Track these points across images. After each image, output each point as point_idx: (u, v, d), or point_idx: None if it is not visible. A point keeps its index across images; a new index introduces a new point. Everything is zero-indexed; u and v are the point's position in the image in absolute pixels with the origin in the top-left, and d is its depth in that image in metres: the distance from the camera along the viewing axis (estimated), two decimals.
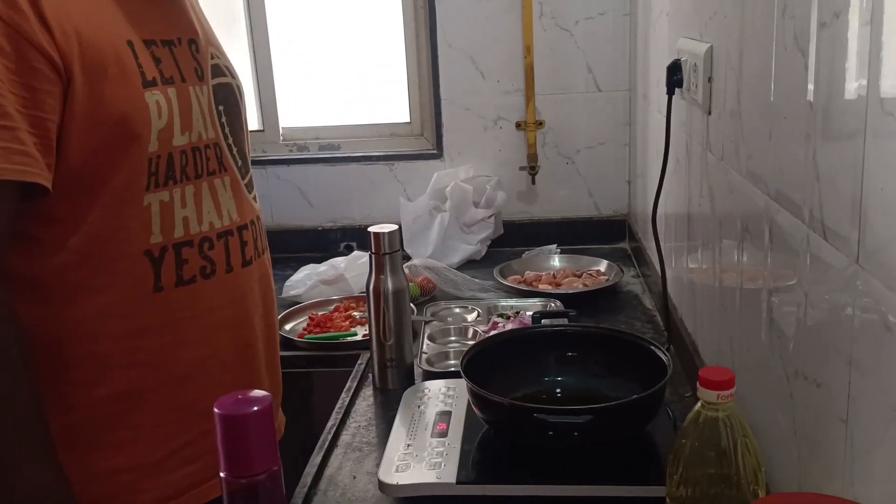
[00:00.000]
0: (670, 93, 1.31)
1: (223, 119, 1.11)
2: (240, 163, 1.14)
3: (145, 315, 1.01)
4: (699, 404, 0.74)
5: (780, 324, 0.88)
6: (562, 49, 2.11)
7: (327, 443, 1.23)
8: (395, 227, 1.38)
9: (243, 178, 1.15)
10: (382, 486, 1.02)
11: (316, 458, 1.18)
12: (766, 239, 0.91)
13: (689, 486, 0.75)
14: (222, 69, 1.15)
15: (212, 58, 1.12)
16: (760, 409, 0.93)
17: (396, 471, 1.03)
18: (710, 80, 1.15)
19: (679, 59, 1.28)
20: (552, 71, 2.13)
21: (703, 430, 0.73)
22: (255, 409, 0.67)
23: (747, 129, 0.99)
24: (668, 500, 0.77)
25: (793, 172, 0.82)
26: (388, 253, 1.36)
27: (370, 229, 1.38)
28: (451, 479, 1.00)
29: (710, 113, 1.17)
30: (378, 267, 1.37)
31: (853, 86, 0.66)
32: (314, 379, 1.62)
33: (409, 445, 1.08)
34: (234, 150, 1.14)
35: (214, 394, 1.08)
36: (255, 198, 1.19)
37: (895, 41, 0.59)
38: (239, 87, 1.19)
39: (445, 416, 1.16)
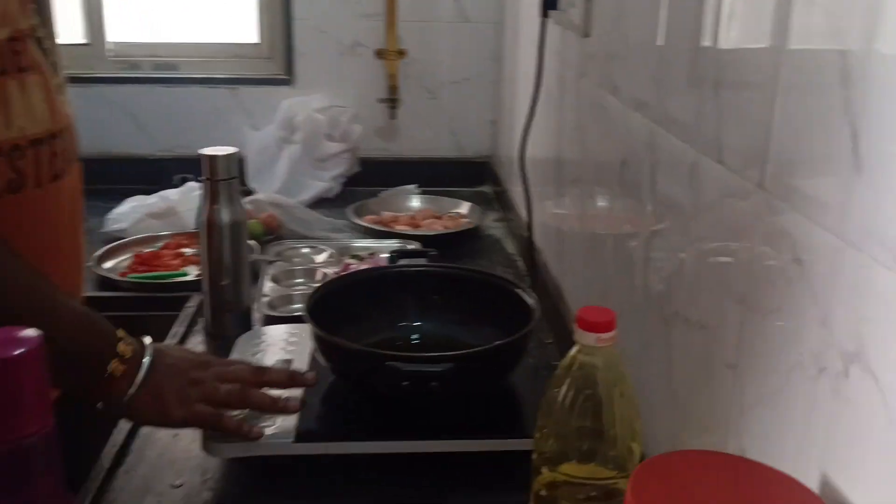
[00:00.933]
0: (544, 14, 1.20)
1: (32, 7, 0.90)
2: (52, 59, 0.94)
3: None
4: (575, 348, 0.64)
5: (658, 262, 0.79)
6: None
7: None
8: (234, 149, 1.20)
9: (55, 79, 0.95)
10: (207, 445, 0.87)
11: None
12: (647, 170, 0.82)
13: (558, 439, 0.66)
14: None
15: None
16: (634, 356, 0.85)
17: None
18: None
19: None
20: None
21: (577, 378, 0.63)
22: (20, 351, 0.50)
23: (632, 49, 0.90)
24: (534, 455, 0.68)
25: (685, 93, 0.73)
26: (224, 179, 1.19)
27: (202, 151, 1.19)
28: (289, 437, 0.86)
29: (588, 35, 1.07)
30: (212, 195, 1.19)
31: None
32: (138, 324, 1.42)
33: None
34: (46, 44, 0.93)
35: None
36: (67, 103, 0.99)
37: None
38: None
39: (285, 364, 1.01)
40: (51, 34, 0.94)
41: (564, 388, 0.64)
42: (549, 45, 1.26)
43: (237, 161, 1.20)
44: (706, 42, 0.67)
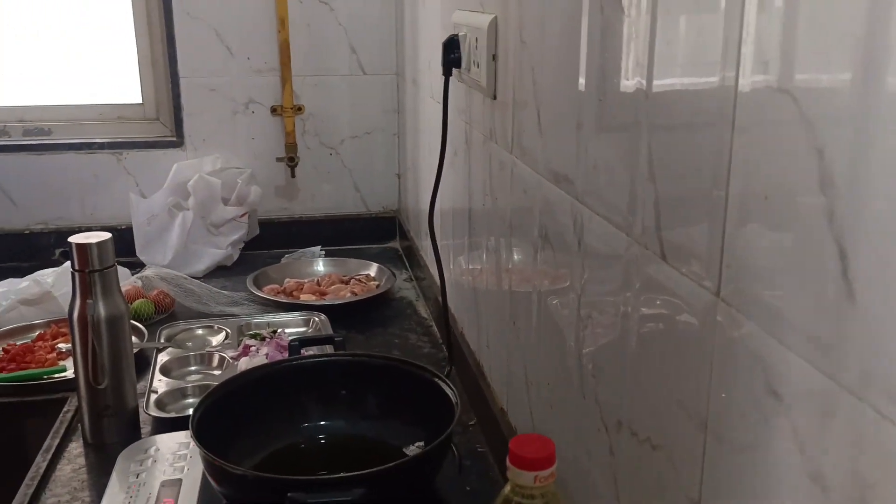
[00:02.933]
0: (447, 73, 1.12)
1: None
2: None
3: None
4: (508, 488, 0.54)
5: (592, 358, 0.71)
6: (321, 25, 1.87)
7: None
8: (107, 235, 1.06)
9: None
10: None
11: None
12: (574, 246, 0.74)
13: None
14: None
15: None
16: (569, 462, 0.75)
17: None
18: (494, 58, 0.97)
19: (456, 35, 1.09)
20: (311, 49, 1.87)
21: None
22: None
23: (546, 117, 0.82)
24: None
25: (611, 171, 0.65)
26: (97, 270, 1.05)
27: (71, 239, 1.05)
28: None
29: (494, 97, 0.99)
30: (83, 288, 1.05)
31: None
32: (8, 434, 1.25)
33: None
34: None
35: None
36: None
37: None
38: None
39: (173, 487, 0.87)
40: None
41: None
42: (454, 102, 1.18)
43: (110, 246, 1.06)
44: (647, 110, 0.59)
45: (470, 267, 1.22)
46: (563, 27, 0.75)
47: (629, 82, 0.60)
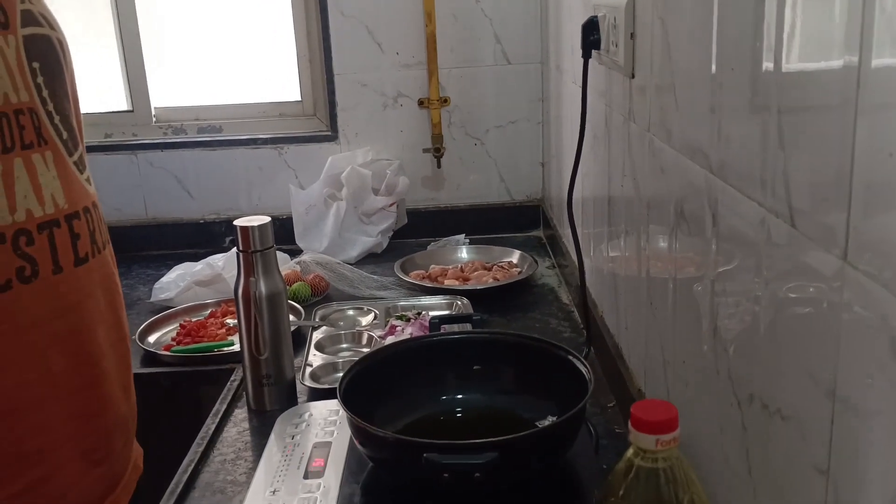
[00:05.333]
0: (586, 56, 1.13)
1: (39, 79, 0.86)
2: (65, 135, 0.89)
3: None
4: (631, 451, 0.55)
5: (726, 333, 0.70)
6: (467, 17, 1.91)
7: (181, 485, 1.00)
8: (267, 219, 1.15)
9: (71, 155, 0.90)
10: None
11: None
12: (709, 224, 0.73)
13: None
14: (37, 17, 0.89)
15: (21, 2, 0.87)
16: (702, 438, 0.75)
17: None
18: (632, 36, 0.96)
19: (595, 16, 1.10)
20: (457, 42, 1.92)
21: (636, 487, 0.54)
22: None
23: (682, 94, 0.81)
24: None
25: (745, 145, 0.64)
26: (258, 251, 1.14)
27: (236, 222, 1.15)
28: None
29: (633, 76, 0.98)
30: (247, 267, 1.14)
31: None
32: (182, 399, 1.38)
33: (275, 492, 0.87)
34: (57, 118, 0.89)
35: (50, 428, 0.84)
36: (88, 180, 0.94)
37: None
38: (61, 42, 0.94)
39: (324, 448, 0.94)
40: (62, 108, 0.90)
41: (624, 499, 0.55)
42: (594, 85, 1.18)
43: (270, 230, 1.15)
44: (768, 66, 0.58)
45: (609, 252, 1.22)
46: (699, 2, 0.74)
47: (763, 61, 0.59)
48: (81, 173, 0.92)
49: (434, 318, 1.11)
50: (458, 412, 0.98)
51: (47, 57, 0.88)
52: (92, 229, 0.90)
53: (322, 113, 2.01)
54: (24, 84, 0.83)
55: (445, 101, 1.95)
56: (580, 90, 1.19)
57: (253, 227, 1.13)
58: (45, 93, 0.86)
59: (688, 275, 0.82)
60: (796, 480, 0.55)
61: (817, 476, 0.51)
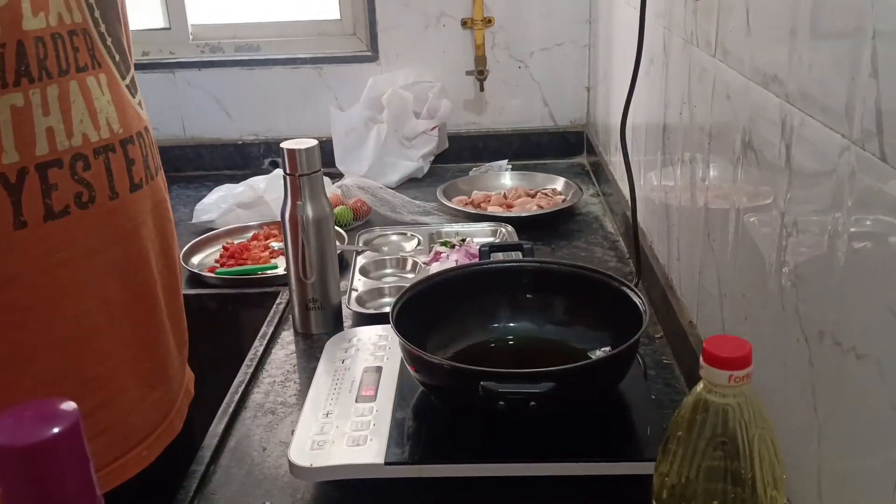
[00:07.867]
0: None
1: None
2: (117, 57, 0.87)
3: (6, 261, 0.77)
4: (701, 385, 0.54)
5: (795, 268, 0.68)
6: None
7: (233, 405, 1.02)
8: (314, 142, 1.14)
9: (123, 78, 0.88)
10: (294, 468, 0.82)
11: (218, 427, 0.97)
12: (782, 155, 0.71)
13: (686, 487, 0.56)
14: None
15: None
16: (762, 374, 0.74)
17: (311, 448, 0.82)
18: None
19: None
20: None
21: (707, 423, 0.54)
22: (55, 431, 0.44)
23: (755, 15, 0.77)
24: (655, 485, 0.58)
25: (827, 71, 0.61)
26: (305, 174, 1.13)
27: (283, 145, 1.13)
28: (379, 458, 0.80)
29: None
30: (294, 191, 1.14)
31: None
32: (228, 322, 1.40)
33: (327, 414, 0.88)
34: (109, 40, 0.87)
35: (108, 355, 0.85)
36: (140, 104, 0.92)
37: None
38: None
39: (374, 373, 0.95)
40: (114, 30, 0.88)
41: (692, 433, 0.54)
42: (653, 6, 1.13)
43: (317, 153, 1.13)
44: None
45: (662, 182, 1.20)
46: None
47: None
48: (133, 97, 0.90)
49: (483, 245, 1.10)
50: (510, 340, 0.98)
51: None
52: (145, 154, 0.90)
53: (362, 32, 1.96)
54: (76, 4, 0.81)
55: (489, 21, 1.89)
56: (634, 11, 1.14)
57: (300, 150, 1.12)
58: (96, 13, 0.84)
59: (753, 206, 0.79)
60: (871, 418, 0.54)
61: (891, 413, 0.50)
